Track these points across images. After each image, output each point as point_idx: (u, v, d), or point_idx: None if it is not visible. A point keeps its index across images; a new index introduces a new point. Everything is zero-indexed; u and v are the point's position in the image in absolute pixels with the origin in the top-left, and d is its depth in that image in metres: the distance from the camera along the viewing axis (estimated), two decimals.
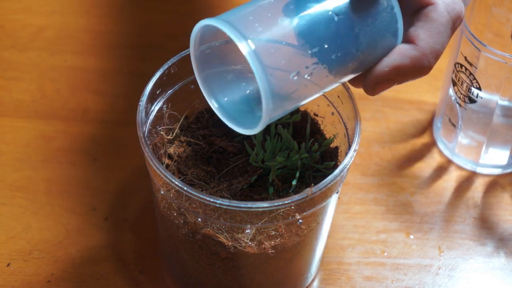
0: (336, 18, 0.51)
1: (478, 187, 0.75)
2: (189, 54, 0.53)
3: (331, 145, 0.62)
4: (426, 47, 0.52)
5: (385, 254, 0.70)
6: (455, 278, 0.69)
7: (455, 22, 0.53)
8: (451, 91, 0.73)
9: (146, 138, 0.57)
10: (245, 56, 0.48)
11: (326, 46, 0.50)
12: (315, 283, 0.68)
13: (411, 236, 0.71)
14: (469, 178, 0.76)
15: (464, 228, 0.72)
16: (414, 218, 0.72)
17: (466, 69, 0.70)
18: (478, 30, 0.72)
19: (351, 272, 0.69)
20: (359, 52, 0.51)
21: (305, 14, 0.50)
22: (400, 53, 0.53)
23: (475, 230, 0.72)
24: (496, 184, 0.75)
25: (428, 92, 0.82)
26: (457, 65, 0.71)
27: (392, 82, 0.53)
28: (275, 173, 0.58)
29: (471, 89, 0.71)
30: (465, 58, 0.70)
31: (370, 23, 0.52)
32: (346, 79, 0.54)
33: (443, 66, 0.77)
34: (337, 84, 0.54)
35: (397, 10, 0.53)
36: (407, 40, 0.53)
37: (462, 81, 0.71)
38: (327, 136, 0.63)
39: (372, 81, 0.53)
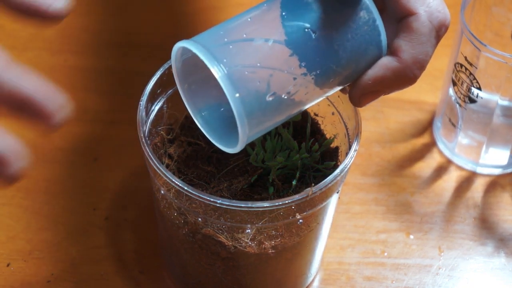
0: (313, 36, 0.50)
1: (478, 187, 0.75)
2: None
3: (331, 145, 0.62)
4: (408, 58, 0.52)
5: (385, 254, 0.70)
6: (455, 278, 0.69)
7: (439, 31, 0.53)
8: (451, 91, 0.73)
9: (147, 138, 0.57)
10: (218, 80, 0.47)
11: (303, 64, 0.50)
12: (315, 283, 0.68)
13: (411, 236, 0.71)
14: (469, 178, 0.76)
15: (464, 228, 0.72)
16: (414, 218, 0.72)
17: (466, 69, 0.70)
18: (478, 30, 0.72)
19: (351, 272, 0.69)
20: (339, 67, 0.51)
21: (279, 35, 0.50)
22: (383, 65, 0.52)
23: (475, 230, 0.72)
24: (496, 184, 0.75)
25: (428, 92, 0.82)
26: (457, 65, 0.71)
27: (377, 93, 0.53)
28: (275, 173, 0.58)
29: (471, 89, 0.71)
30: (465, 58, 0.70)
31: (350, 38, 0.51)
32: (329, 93, 0.53)
33: (443, 66, 0.77)
34: (320, 99, 0.53)
35: (379, 22, 0.52)
36: (390, 51, 0.53)
37: (462, 81, 0.71)
38: (328, 136, 0.63)
39: (357, 93, 0.53)
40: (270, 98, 0.49)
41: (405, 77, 0.52)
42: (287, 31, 0.50)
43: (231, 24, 0.51)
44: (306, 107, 0.53)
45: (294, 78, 0.50)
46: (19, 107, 0.41)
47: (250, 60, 0.49)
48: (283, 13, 0.50)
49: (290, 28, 0.50)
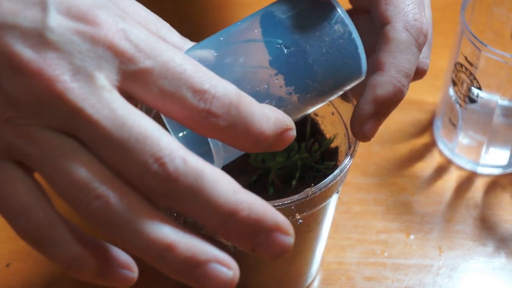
0: (286, 51, 0.49)
1: (478, 187, 0.75)
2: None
3: (331, 145, 0.62)
4: (391, 68, 0.51)
5: (386, 254, 0.70)
6: (455, 279, 0.69)
7: (418, 39, 0.52)
8: (451, 91, 0.73)
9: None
10: None
11: (276, 81, 0.49)
12: (316, 283, 0.68)
13: (412, 236, 0.71)
14: (470, 178, 0.76)
15: (464, 228, 0.72)
16: (414, 218, 0.72)
17: (466, 69, 0.70)
18: (479, 29, 0.72)
19: (351, 272, 0.69)
20: (316, 83, 0.50)
21: (251, 52, 0.49)
22: (370, 85, 0.52)
23: (476, 230, 0.72)
24: (496, 184, 0.75)
25: (428, 92, 0.82)
26: (457, 65, 0.71)
27: (377, 117, 0.52)
28: (275, 173, 0.58)
29: (471, 89, 0.71)
30: (466, 58, 0.70)
31: (325, 52, 0.50)
32: (312, 109, 0.53)
33: (443, 66, 0.77)
34: (302, 114, 0.53)
35: (355, 35, 0.51)
36: (373, 67, 0.52)
37: (462, 81, 0.71)
38: (327, 136, 0.63)
39: (358, 124, 0.52)
40: None
41: (393, 88, 0.51)
42: (258, 48, 0.49)
43: (203, 44, 0.50)
44: None
45: (270, 95, 0.50)
46: None
47: (222, 78, 0.49)
48: (256, 31, 0.50)
49: (261, 45, 0.50)
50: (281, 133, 0.44)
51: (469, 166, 0.76)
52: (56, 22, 0.40)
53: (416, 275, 0.69)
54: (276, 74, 0.49)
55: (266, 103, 0.49)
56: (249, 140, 0.42)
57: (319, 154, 0.60)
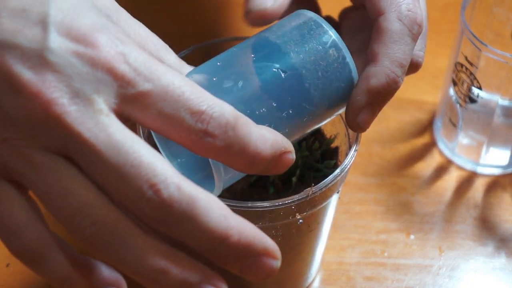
0: (283, 75, 0.50)
1: (478, 187, 0.75)
2: (191, 53, 0.53)
3: (332, 145, 0.62)
4: (384, 59, 0.51)
5: (386, 254, 0.70)
6: (455, 279, 0.69)
7: (411, 29, 0.52)
8: (451, 91, 0.73)
9: (146, 138, 0.57)
10: None
11: (275, 104, 0.50)
12: (316, 283, 0.68)
13: (412, 236, 0.71)
14: (470, 178, 0.76)
15: (464, 228, 0.72)
16: (414, 218, 0.72)
17: (466, 68, 0.70)
18: (479, 29, 0.72)
19: (351, 272, 0.69)
20: (312, 106, 0.51)
21: (249, 77, 0.50)
22: (364, 76, 0.52)
23: (476, 230, 0.72)
24: (496, 184, 0.75)
25: (428, 92, 0.82)
26: (457, 65, 0.71)
27: (371, 107, 0.52)
28: None
29: (471, 89, 0.71)
30: (466, 57, 0.70)
31: (321, 76, 0.50)
32: (306, 132, 0.53)
33: (443, 66, 0.77)
34: (297, 136, 0.53)
35: (349, 60, 0.51)
36: (368, 59, 0.52)
37: (462, 81, 0.71)
38: (328, 136, 0.63)
39: (352, 114, 0.52)
40: None
41: (387, 78, 0.51)
42: (257, 72, 0.50)
43: (200, 69, 0.51)
44: None
45: (268, 118, 0.50)
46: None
47: None
48: (253, 56, 0.51)
49: (259, 69, 0.50)
50: (279, 156, 0.44)
51: (469, 166, 0.76)
52: (57, 43, 0.40)
53: (416, 275, 0.69)
54: (274, 98, 0.50)
55: (266, 126, 0.49)
56: (246, 160, 0.43)
57: (319, 152, 0.60)
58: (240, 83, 0.49)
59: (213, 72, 0.50)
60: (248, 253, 0.41)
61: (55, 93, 0.40)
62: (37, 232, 0.42)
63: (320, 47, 0.51)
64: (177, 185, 0.40)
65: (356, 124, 0.52)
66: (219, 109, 0.42)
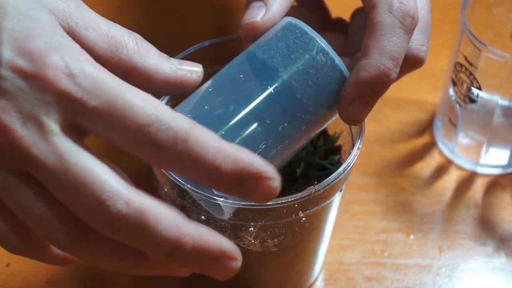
0: (273, 91, 0.50)
1: (478, 187, 0.75)
2: (194, 52, 0.53)
3: (335, 144, 0.62)
4: (375, 51, 0.51)
5: (385, 254, 0.70)
6: (455, 279, 0.69)
7: (403, 21, 0.52)
8: (451, 91, 0.73)
9: None
10: None
11: (268, 122, 0.50)
12: (318, 283, 0.67)
13: (411, 236, 0.71)
14: (469, 178, 0.76)
15: (464, 228, 0.72)
16: (414, 218, 0.72)
17: (466, 69, 0.70)
18: (479, 29, 0.72)
19: (351, 272, 0.69)
20: (309, 114, 0.51)
21: (239, 99, 0.50)
22: (355, 69, 0.52)
23: (476, 230, 0.72)
24: (496, 184, 0.75)
25: (428, 92, 0.82)
26: (457, 65, 0.71)
27: (363, 100, 0.52)
28: (281, 171, 0.58)
29: (471, 89, 0.71)
30: (465, 58, 0.70)
31: (312, 83, 0.51)
32: (311, 137, 0.53)
33: (443, 66, 0.77)
34: (302, 145, 0.53)
35: (338, 61, 0.51)
36: (361, 53, 0.52)
37: (462, 81, 0.71)
38: (331, 134, 0.63)
39: (344, 106, 0.52)
40: None
41: (377, 71, 0.51)
42: (247, 93, 0.50)
43: (194, 98, 0.51)
44: (286, 159, 0.53)
45: (264, 136, 0.50)
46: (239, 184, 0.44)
47: (214, 131, 0.49)
48: (241, 76, 0.51)
49: (248, 90, 0.50)
50: (251, 177, 0.43)
51: (469, 166, 0.76)
52: (7, 68, 0.42)
53: (416, 275, 0.69)
54: (267, 116, 0.50)
55: (263, 144, 0.50)
56: (202, 174, 0.43)
57: (323, 148, 0.60)
58: (231, 108, 0.50)
59: (205, 100, 0.50)
60: (204, 257, 0.44)
61: (8, 119, 0.42)
62: (21, 241, 0.46)
63: (307, 55, 0.51)
64: (126, 200, 0.42)
65: (347, 116, 0.52)
66: (169, 122, 0.42)
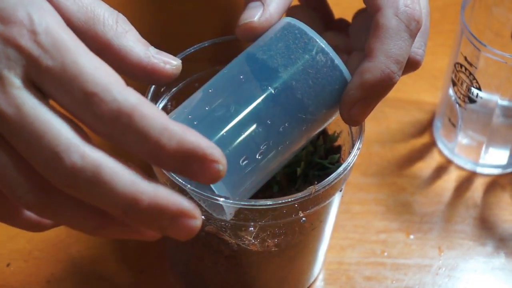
0: (273, 91, 0.50)
1: (478, 187, 0.75)
2: (194, 52, 0.53)
3: (335, 144, 0.62)
4: (380, 54, 0.51)
5: (385, 254, 0.70)
6: (455, 278, 0.69)
7: (409, 25, 0.52)
8: (451, 91, 0.73)
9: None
10: None
11: (269, 122, 0.50)
12: (318, 283, 0.68)
13: (411, 236, 0.71)
14: (469, 178, 0.76)
15: (464, 228, 0.72)
16: (414, 218, 0.72)
17: (466, 69, 0.70)
18: (478, 30, 0.73)
19: (351, 272, 0.69)
20: (309, 114, 0.51)
21: (240, 100, 0.50)
22: (359, 71, 0.52)
23: (475, 230, 0.72)
24: (496, 184, 0.75)
25: (428, 92, 0.82)
26: (457, 65, 0.71)
27: (365, 102, 0.52)
28: (281, 171, 0.58)
29: (471, 89, 0.71)
30: (465, 58, 0.70)
31: (312, 84, 0.51)
32: (311, 136, 0.54)
33: (443, 66, 0.77)
34: (303, 144, 0.53)
35: (338, 62, 0.51)
36: (365, 55, 0.52)
37: (462, 81, 0.71)
38: (330, 133, 0.63)
39: (346, 108, 0.52)
40: (244, 163, 0.50)
41: (382, 74, 0.51)
42: (247, 94, 0.50)
43: (195, 99, 0.52)
44: (290, 154, 0.53)
45: (265, 136, 0.50)
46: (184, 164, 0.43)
47: (215, 132, 0.50)
48: (241, 77, 0.51)
49: (249, 91, 0.50)
50: (196, 157, 0.43)
51: (468, 166, 0.76)
52: None
53: (416, 275, 0.69)
54: (267, 116, 0.50)
55: (264, 144, 0.50)
56: (145, 151, 0.43)
57: (323, 147, 0.60)
58: (232, 108, 0.50)
59: (206, 101, 0.51)
60: (161, 215, 0.43)
61: None
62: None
63: (307, 55, 0.51)
64: (81, 154, 0.42)
65: (349, 117, 0.52)
66: (115, 94, 0.42)
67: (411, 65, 0.55)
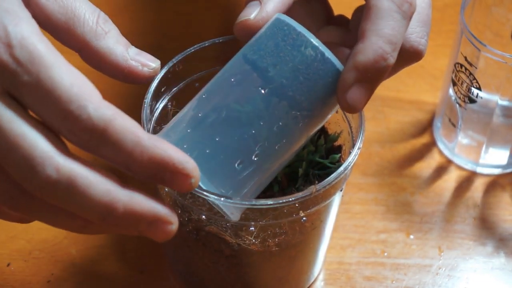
0: (264, 92, 0.50)
1: (478, 187, 0.75)
2: (194, 52, 0.53)
3: (335, 144, 0.62)
4: (372, 35, 0.50)
5: (385, 254, 0.70)
6: (455, 278, 0.69)
7: (401, 6, 0.51)
8: (451, 91, 0.73)
9: None
10: None
11: (261, 123, 0.50)
12: (318, 283, 0.68)
13: (411, 236, 0.71)
14: (469, 178, 0.76)
15: (464, 228, 0.72)
16: (414, 218, 0.72)
17: (466, 69, 0.70)
18: (478, 30, 0.73)
19: (351, 272, 0.69)
20: (304, 110, 0.51)
21: (231, 104, 0.50)
22: (352, 54, 0.51)
23: (475, 230, 0.72)
24: (496, 184, 0.75)
25: (428, 92, 0.82)
26: (457, 65, 0.71)
27: (360, 85, 0.51)
28: (282, 171, 0.58)
29: (471, 89, 0.71)
30: (465, 58, 0.70)
31: (303, 80, 0.50)
32: (311, 133, 0.53)
33: (443, 66, 0.78)
34: (300, 143, 0.53)
35: (328, 54, 0.51)
36: (358, 37, 0.52)
37: (462, 81, 0.71)
38: (331, 133, 0.63)
39: (342, 92, 0.51)
40: (240, 166, 0.50)
41: (374, 54, 0.50)
42: (238, 97, 0.50)
43: (190, 106, 0.52)
44: (290, 153, 0.53)
45: (259, 138, 0.50)
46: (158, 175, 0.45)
47: (207, 139, 0.50)
48: (232, 80, 0.51)
49: (239, 93, 0.50)
50: (167, 171, 0.44)
51: (468, 166, 0.76)
52: None
53: (416, 274, 0.69)
54: (259, 117, 0.50)
55: (259, 145, 0.50)
56: (119, 163, 0.44)
57: (324, 147, 0.60)
58: (223, 113, 0.50)
59: (199, 107, 0.51)
60: (138, 221, 0.44)
61: None
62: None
63: (295, 52, 0.50)
64: (56, 167, 0.42)
65: (347, 103, 0.51)
66: (90, 111, 0.43)
67: (414, 55, 0.54)
